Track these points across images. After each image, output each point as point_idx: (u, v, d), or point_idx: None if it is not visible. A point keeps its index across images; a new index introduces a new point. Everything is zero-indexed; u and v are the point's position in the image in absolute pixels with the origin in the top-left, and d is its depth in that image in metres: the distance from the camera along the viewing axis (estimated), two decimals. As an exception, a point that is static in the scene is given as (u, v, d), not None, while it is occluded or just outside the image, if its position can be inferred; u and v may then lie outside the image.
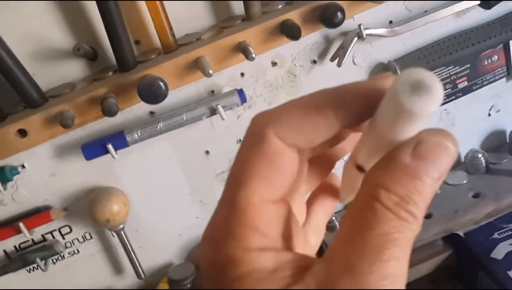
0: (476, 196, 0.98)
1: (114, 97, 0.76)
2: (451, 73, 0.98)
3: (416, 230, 0.25)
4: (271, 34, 0.80)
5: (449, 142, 0.25)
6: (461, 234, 0.96)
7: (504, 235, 0.98)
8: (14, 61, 0.75)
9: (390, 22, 0.92)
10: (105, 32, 0.77)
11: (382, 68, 0.95)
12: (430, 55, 0.93)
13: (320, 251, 0.89)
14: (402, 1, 0.90)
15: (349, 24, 0.88)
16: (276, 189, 0.27)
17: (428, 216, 0.97)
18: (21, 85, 0.76)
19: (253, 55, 0.76)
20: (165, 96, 0.74)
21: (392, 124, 0.25)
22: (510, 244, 0.97)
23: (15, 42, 0.77)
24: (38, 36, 0.81)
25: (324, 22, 0.78)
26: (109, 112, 0.74)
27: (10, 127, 0.78)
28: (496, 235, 0.98)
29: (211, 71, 0.75)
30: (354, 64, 0.94)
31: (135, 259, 0.95)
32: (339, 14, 0.77)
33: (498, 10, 0.94)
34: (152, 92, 0.73)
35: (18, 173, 0.87)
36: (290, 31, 0.77)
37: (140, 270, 0.96)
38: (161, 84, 0.74)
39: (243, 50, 0.78)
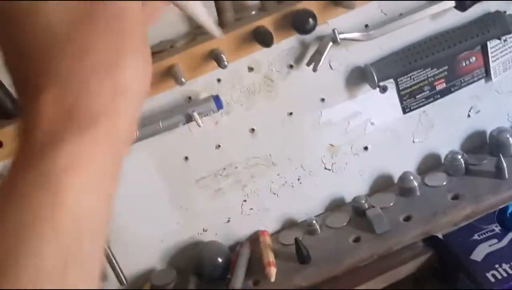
0: (455, 197, 0.98)
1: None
2: (428, 75, 0.98)
3: None
4: (244, 41, 0.80)
5: None
6: (440, 236, 0.96)
7: (484, 236, 0.99)
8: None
9: (366, 25, 0.92)
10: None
11: (359, 72, 0.95)
12: (406, 58, 0.93)
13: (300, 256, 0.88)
14: (378, 5, 0.91)
15: (325, 28, 0.88)
16: None
17: (407, 219, 0.98)
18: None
19: (226, 63, 0.77)
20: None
21: None
22: (490, 245, 0.97)
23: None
24: None
25: (296, 28, 0.79)
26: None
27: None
28: (476, 236, 0.99)
29: (183, 80, 0.76)
30: (331, 68, 0.94)
31: (117, 266, 0.96)
32: (310, 20, 0.77)
33: (474, 11, 0.95)
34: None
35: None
36: (262, 38, 0.78)
37: (122, 276, 0.97)
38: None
39: (215, 57, 0.78)
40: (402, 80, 0.97)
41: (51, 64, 0.30)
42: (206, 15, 0.42)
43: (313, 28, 0.78)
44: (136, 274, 1.02)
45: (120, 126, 0.31)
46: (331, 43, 0.87)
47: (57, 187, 0.28)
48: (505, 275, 0.90)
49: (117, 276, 0.96)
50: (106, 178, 0.31)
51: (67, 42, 0.30)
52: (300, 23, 0.78)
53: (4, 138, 0.78)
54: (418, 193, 1.02)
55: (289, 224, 1.06)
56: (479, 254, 0.95)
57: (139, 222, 0.98)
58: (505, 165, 0.97)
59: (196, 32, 0.84)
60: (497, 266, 0.92)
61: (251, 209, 1.02)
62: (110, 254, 0.94)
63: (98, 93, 0.30)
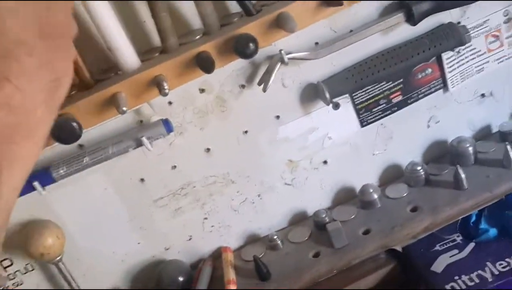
0: (414, 210, 0.98)
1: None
2: (384, 89, 0.98)
3: None
4: (187, 66, 0.80)
5: None
6: (399, 249, 0.96)
7: (445, 246, 0.98)
8: None
9: (316, 43, 0.92)
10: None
11: (312, 89, 0.95)
12: (358, 74, 0.93)
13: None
14: (327, 23, 0.90)
15: (274, 48, 0.88)
16: None
17: (366, 232, 0.98)
18: None
19: (166, 90, 0.77)
20: (78, 137, 0.75)
21: None
22: (451, 256, 0.97)
23: None
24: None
25: (237, 52, 0.79)
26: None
27: None
28: (437, 247, 0.98)
29: (124, 108, 0.76)
30: (284, 86, 0.94)
31: (78, 288, 0.97)
32: (251, 44, 0.77)
33: (427, 24, 0.94)
34: (64, 134, 0.74)
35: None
36: (204, 64, 0.78)
37: (84, 297, 0.98)
38: (74, 125, 0.74)
39: (157, 84, 0.78)
40: (357, 94, 0.97)
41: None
42: None
43: (254, 52, 0.78)
44: (99, 295, 1.03)
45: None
46: (279, 63, 0.87)
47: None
48: (463, 287, 0.89)
49: (79, 297, 0.97)
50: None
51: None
52: (241, 47, 0.78)
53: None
54: (379, 205, 1.02)
55: (252, 240, 1.06)
56: (439, 265, 0.95)
57: (99, 244, 0.99)
58: (463, 175, 0.97)
59: (141, 58, 0.83)
60: (456, 278, 0.91)
61: (212, 226, 1.03)
62: (69, 276, 0.95)
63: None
